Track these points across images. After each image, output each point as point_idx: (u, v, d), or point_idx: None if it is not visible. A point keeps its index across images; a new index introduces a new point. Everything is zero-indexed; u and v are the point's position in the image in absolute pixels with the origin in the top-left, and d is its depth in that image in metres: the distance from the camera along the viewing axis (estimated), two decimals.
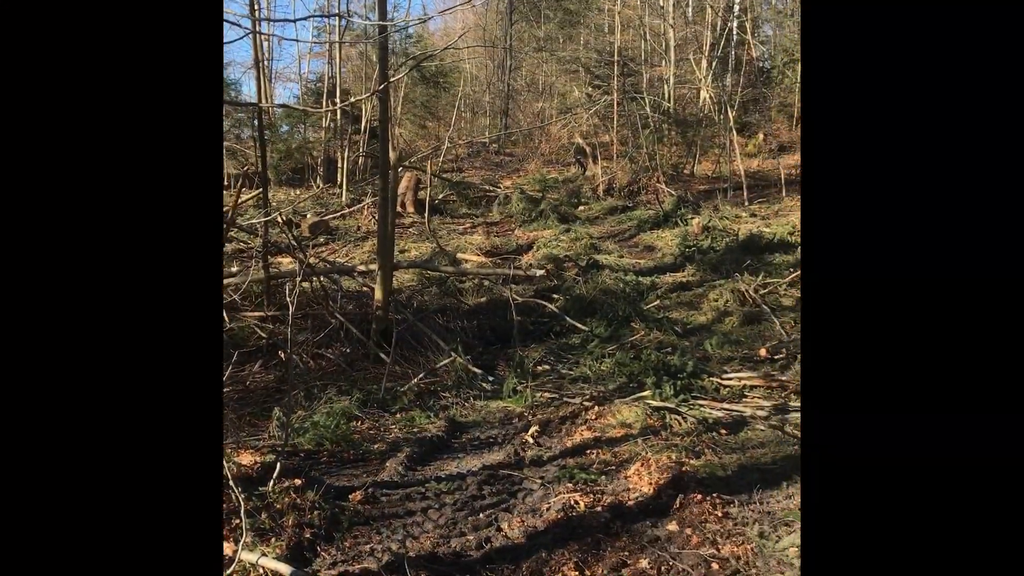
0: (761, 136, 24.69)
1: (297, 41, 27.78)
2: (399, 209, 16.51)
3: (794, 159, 22.57)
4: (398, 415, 6.67)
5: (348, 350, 8.20)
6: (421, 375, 7.56)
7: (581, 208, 18.37)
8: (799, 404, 6.37)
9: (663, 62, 24.55)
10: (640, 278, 11.58)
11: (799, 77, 25.38)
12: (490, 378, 7.77)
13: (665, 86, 23.86)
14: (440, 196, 19.19)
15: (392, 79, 10.33)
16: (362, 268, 10.70)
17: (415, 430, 6.26)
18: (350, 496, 4.71)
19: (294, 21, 9.96)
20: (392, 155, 9.38)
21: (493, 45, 29.50)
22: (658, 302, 10.49)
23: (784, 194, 18.22)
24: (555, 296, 10.55)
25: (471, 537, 4.23)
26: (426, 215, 15.58)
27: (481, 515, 4.54)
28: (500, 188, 19.94)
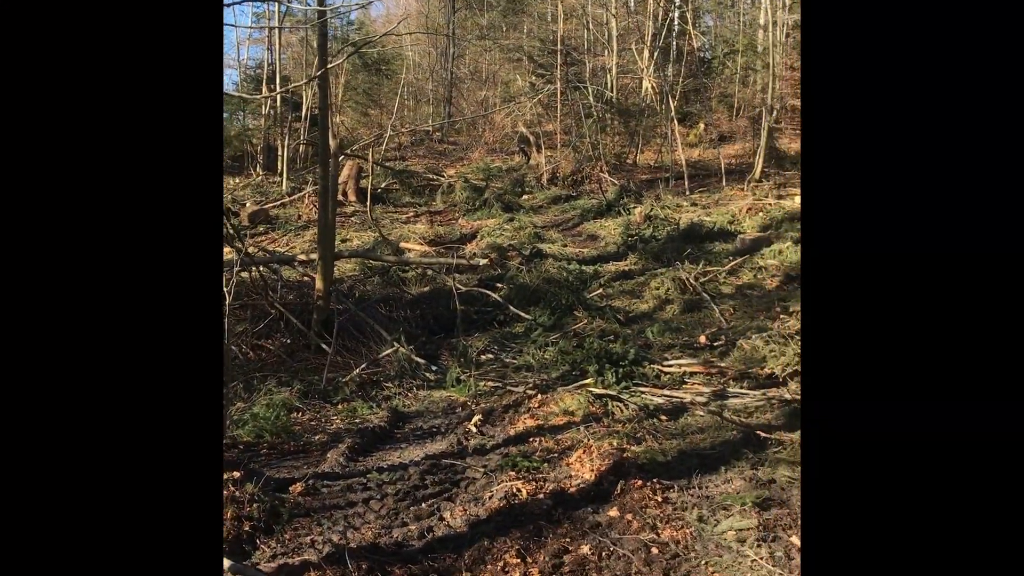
0: (702, 126, 24.99)
1: (235, 27, 27.31)
2: (341, 198, 16.31)
3: (734, 149, 22.94)
4: (340, 406, 6.61)
5: (288, 341, 8.08)
6: (363, 365, 7.49)
7: (525, 197, 18.39)
8: (737, 390, 6.49)
9: (606, 51, 24.68)
10: (583, 267, 11.65)
11: (739, 68, 25.80)
12: (433, 368, 7.74)
13: (608, 76, 23.99)
14: (383, 185, 19.02)
15: (331, 64, 10.19)
16: (303, 258, 10.56)
17: (357, 421, 6.21)
18: (290, 488, 4.65)
19: (231, 5, 9.71)
20: (333, 143, 9.25)
21: (435, 32, 29.30)
22: (601, 291, 10.56)
23: (724, 183, 18.48)
24: (499, 285, 10.55)
25: (413, 527, 4.22)
26: (368, 204, 15.43)
27: (423, 505, 4.53)
28: (444, 177, 19.85)
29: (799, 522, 4.17)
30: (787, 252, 11.47)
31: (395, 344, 7.93)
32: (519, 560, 3.83)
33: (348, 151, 17.83)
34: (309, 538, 4.04)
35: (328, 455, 5.34)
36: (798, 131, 23.66)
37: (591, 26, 25.59)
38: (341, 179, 16.97)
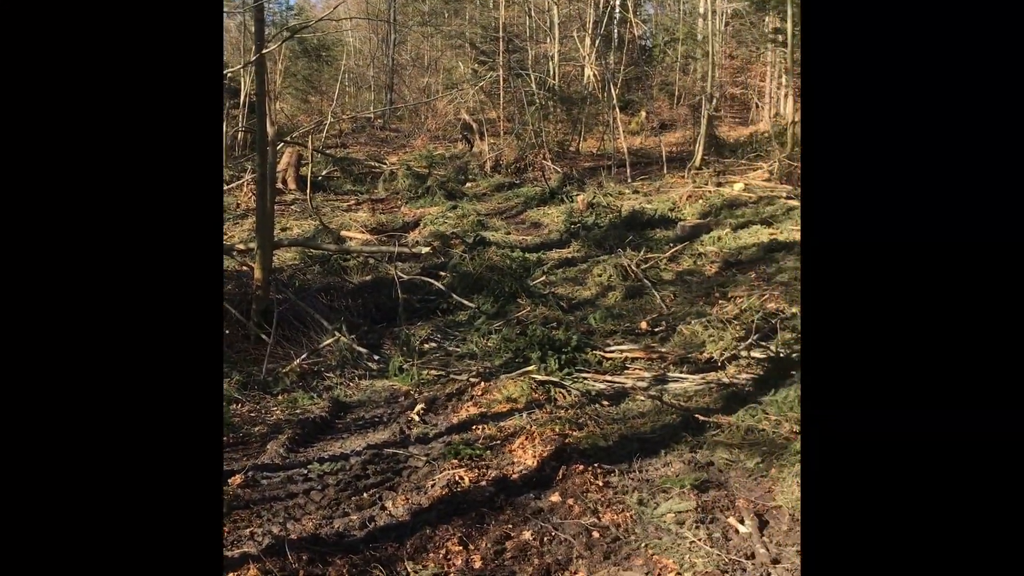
0: (643, 114, 25.21)
1: None
2: (280, 186, 16.05)
3: (675, 136, 23.19)
4: (280, 397, 6.52)
5: (227, 331, 7.93)
6: (304, 356, 7.40)
7: (468, 185, 18.33)
8: (677, 374, 6.58)
9: (548, 39, 24.69)
10: (526, 254, 11.66)
11: (679, 56, 26.06)
12: (376, 357, 7.68)
13: (550, 63, 24.01)
14: (323, 173, 18.77)
15: (268, 50, 10.02)
16: (241, 247, 10.39)
17: (298, 411, 6.14)
18: (229, 480, 4.58)
19: None
20: (271, 130, 9.08)
21: (376, 18, 28.97)
22: (544, 278, 10.60)
23: (665, 171, 18.68)
24: (442, 273, 10.51)
25: (354, 517, 4.19)
26: (308, 192, 15.20)
27: (365, 495, 4.50)
28: (386, 164, 19.66)
29: (736, 503, 4.26)
30: (726, 239, 11.66)
31: (336, 333, 7.85)
32: (461, 547, 3.84)
33: (287, 138, 17.54)
34: (249, 530, 3.99)
35: (268, 446, 5.27)
36: (737, 119, 24.06)
37: (533, 13, 25.56)
38: (280, 167, 16.70)
